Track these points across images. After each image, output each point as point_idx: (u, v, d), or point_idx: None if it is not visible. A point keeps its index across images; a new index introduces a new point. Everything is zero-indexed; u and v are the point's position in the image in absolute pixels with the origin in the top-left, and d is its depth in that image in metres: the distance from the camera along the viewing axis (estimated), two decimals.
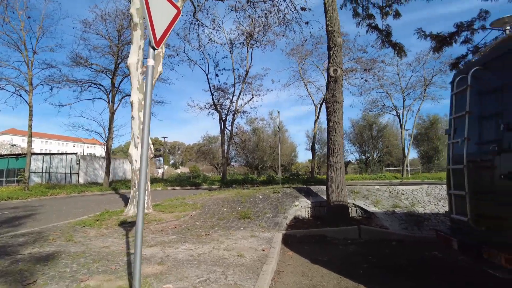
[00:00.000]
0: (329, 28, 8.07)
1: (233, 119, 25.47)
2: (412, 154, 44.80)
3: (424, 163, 43.43)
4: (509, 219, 3.01)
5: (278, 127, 15.18)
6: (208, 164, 48.14)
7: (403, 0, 9.89)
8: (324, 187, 9.50)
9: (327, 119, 8.02)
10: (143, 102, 8.51)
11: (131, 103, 8.43)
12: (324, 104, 25.60)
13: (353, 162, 48.67)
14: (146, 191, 2.64)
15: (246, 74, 24.33)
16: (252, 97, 25.26)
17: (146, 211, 8.06)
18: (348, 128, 45.51)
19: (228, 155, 28.90)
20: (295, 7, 13.32)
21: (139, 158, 8.41)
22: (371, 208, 7.76)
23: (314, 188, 9.44)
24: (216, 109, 24.94)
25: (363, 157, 46.11)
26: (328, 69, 8.03)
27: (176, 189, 22.20)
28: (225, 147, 25.74)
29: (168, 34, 3.05)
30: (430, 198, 8.20)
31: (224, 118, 24.96)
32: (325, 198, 8.29)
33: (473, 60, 3.93)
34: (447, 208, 7.59)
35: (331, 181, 7.60)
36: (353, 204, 7.98)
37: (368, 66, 23.44)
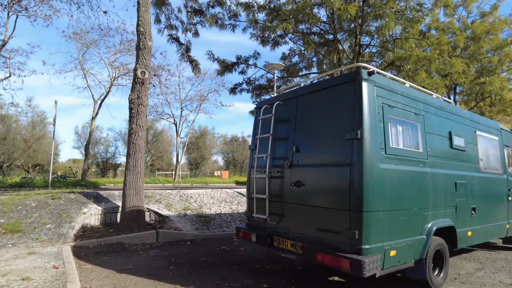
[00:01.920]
0: (141, 29, 7.87)
1: None
2: (183, 160, 48.80)
3: (192, 169, 48.31)
4: (291, 216, 4.20)
5: (54, 120, 12.58)
6: None
7: (207, 24, 11.07)
8: (115, 192, 8.95)
9: (130, 121, 7.71)
10: None
11: None
12: (104, 101, 23.72)
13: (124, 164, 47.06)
14: None
15: (3, 45, 18.64)
16: (10, 75, 19.57)
17: None
18: (124, 129, 43.86)
19: None
20: None
21: None
22: (165, 212, 8.07)
23: (104, 193, 8.67)
24: None
25: None
26: (135, 70, 7.77)
27: None
28: None
29: None
30: (214, 200, 9.48)
31: None
32: (117, 203, 7.86)
33: (274, 95, 5.16)
34: (228, 209, 9.10)
35: (129, 185, 7.31)
36: (148, 208, 8.00)
37: (157, 72, 23.75)
